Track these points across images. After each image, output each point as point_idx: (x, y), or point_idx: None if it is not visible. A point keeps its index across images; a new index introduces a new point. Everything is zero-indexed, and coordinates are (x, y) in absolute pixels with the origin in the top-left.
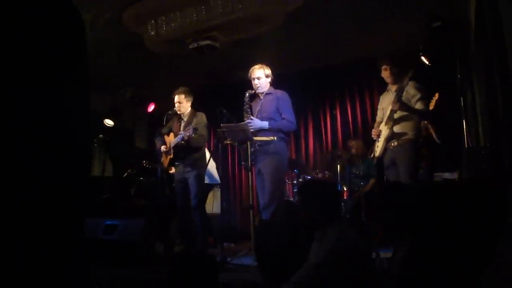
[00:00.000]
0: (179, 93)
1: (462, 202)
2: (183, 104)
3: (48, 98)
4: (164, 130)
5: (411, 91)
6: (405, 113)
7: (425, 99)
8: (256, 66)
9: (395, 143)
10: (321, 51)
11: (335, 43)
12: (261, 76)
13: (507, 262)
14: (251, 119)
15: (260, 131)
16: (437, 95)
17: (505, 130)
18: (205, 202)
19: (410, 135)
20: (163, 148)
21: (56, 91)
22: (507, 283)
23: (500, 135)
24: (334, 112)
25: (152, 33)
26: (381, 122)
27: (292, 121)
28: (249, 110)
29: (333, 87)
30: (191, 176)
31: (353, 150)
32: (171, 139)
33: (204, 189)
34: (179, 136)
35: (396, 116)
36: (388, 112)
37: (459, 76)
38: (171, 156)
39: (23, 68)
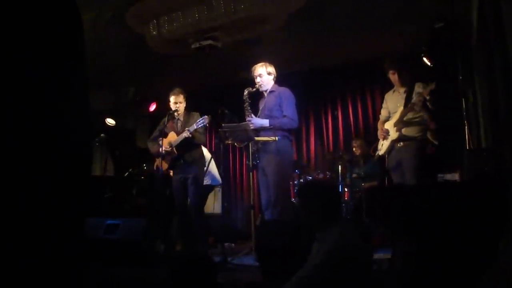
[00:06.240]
0: (177, 94)
1: (464, 203)
2: (182, 104)
3: (47, 97)
4: (159, 132)
5: (422, 93)
6: (416, 115)
7: (436, 100)
8: (258, 64)
9: (401, 144)
10: (323, 51)
11: (337, 44)
12: (262, 74)
13: (508, 263)
14: (251, 118)
15: (262, 130)
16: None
17: (507, 131)
18: (205, 203)
19: (417, 136)
20: (164, 149)
21: (55, 90)
22: (507, 283)
23: (502, 136)
24: (336, 113)
25: (154, 32)
26: (385, 121)
27: (293, 118)
28: (249, 108)
29: (335, 87)
30: (190, 176)
31: (358, 150)
32: (172, 139)
33: (205, 190)
34: (185, 131)
35: (406, 118)
36: (399, 113)
37: (460, 77)
38: (175, 153)
39: (21, 67)
